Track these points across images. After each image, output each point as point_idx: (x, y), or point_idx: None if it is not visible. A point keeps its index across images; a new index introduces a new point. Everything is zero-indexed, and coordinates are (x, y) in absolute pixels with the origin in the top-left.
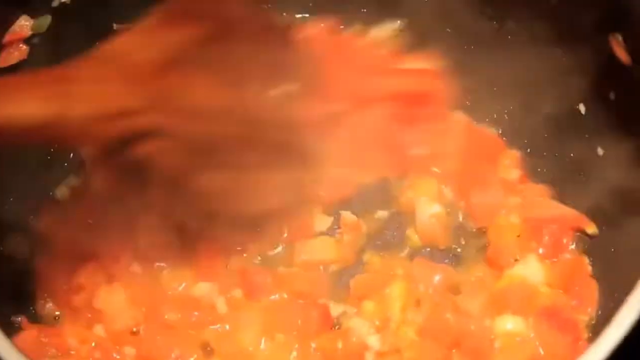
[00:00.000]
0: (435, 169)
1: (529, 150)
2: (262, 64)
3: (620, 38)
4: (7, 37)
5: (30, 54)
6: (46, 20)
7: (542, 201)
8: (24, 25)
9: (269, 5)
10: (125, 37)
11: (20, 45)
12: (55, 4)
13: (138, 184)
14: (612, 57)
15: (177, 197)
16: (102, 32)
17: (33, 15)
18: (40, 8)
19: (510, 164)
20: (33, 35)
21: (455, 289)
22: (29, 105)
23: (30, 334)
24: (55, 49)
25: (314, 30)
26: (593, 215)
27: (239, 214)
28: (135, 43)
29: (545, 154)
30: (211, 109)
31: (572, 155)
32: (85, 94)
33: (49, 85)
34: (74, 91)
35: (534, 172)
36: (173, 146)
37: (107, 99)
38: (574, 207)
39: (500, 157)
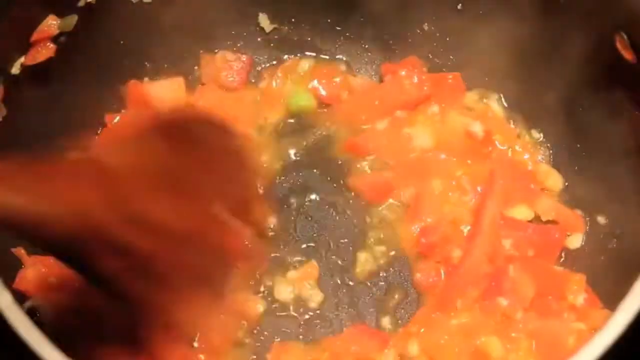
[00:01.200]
0: None
1: None
2: (217, 184)
3: (625, 36)
4: (35, 36)
5: (57, 52)
6: (73, 19)
7: None
8: (51, 24)
9: None
10: (99, 142)
11: (48, 43)
12: (81, 3)
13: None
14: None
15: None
16: (125, 31)
17: (60, 14)
18: (67, 7)
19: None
20: (60, 34)
21: None
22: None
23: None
24: (82, 47)
25: None
26: None
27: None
28: (108, 148)
29: None
30: (164, 225)
31: None
32: (57, 193)
33: (23, 177)
34: (46, 188)
35: None
36: (128, 263)
37: (76, 201)
38: None
39: None
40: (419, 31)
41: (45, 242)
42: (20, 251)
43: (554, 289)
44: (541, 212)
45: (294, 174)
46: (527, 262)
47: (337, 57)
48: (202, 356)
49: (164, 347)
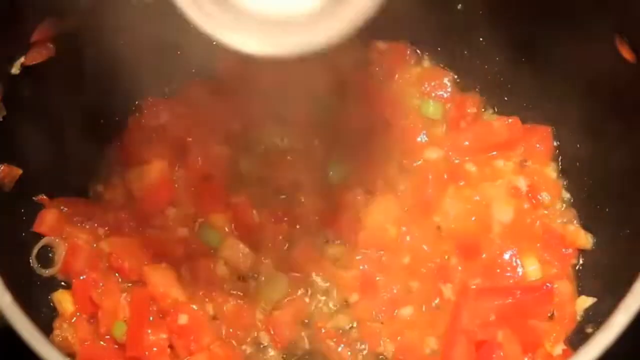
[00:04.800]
0: None
1: None
2: None
3: (625, 37)
4: (35, 36)
5: (57, 52)
6: (73, 19)
7: None
8: (51, 24)
9: None
10: None
11: (48, 43)
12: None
13: None
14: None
15: None
16: (124, 31)
17: (60, 15)
18: (67, 8)
19: None
20: (60, 34)
21: None
22: None
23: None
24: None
25: None
26: None
27: None
28: None
29: None
30: None
31: None
32: None
33: None
34: None
35: None
36: None
37: None
38: None
39: None
40: None
41: None
42: (42, 197)
43: (536, 342)
44: None
45: None
46: (514, 326)
47: None
48: None
49: None
